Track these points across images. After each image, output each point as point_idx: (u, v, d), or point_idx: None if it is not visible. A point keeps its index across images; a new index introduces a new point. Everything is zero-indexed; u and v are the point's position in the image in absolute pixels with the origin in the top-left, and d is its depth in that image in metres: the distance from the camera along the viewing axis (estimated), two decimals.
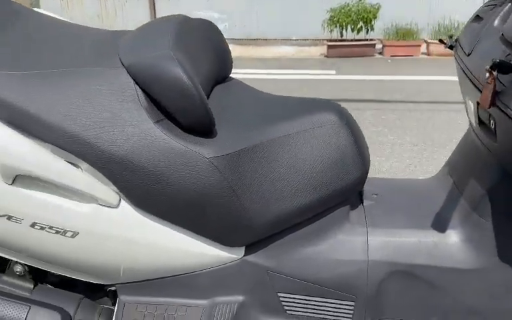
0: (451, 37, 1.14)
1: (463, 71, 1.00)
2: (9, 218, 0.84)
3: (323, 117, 0.95)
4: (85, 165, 0.84)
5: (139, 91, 0.85)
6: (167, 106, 0.84)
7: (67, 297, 0.99)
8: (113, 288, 1.12)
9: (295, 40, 7.52)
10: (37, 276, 1.02)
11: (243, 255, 0.97)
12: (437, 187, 1.10)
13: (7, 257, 0.93)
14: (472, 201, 0.97)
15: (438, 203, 1.03)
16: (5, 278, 0.97)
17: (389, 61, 6.33)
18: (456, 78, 1.11)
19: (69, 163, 0.83)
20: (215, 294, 0.97)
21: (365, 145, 0.99)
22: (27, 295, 0.97)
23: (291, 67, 5.98)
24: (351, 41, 6.72)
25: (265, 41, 7.54)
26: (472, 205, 0.97)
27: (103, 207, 0.87)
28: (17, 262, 0.96)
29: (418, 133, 3.26)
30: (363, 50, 6.65)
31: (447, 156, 1.19)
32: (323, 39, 6.99)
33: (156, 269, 0.95)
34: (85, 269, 0.94)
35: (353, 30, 6.67)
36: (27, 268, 0.97)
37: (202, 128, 0.87)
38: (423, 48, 6.66)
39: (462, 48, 1.04)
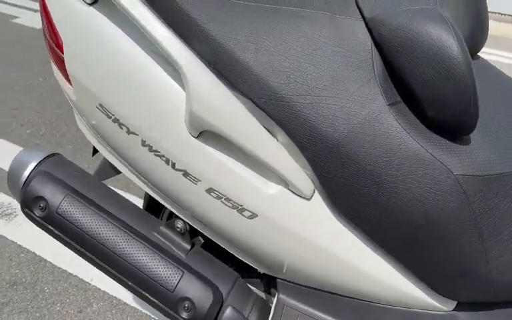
0: None
1: None
2: (185, 175, 0.69)
3: None
4: (283, 138, 0.64)
5: (377, 56, 0.61)
6: (416, 85, 0.58)
7: (222, 273, 0.85)
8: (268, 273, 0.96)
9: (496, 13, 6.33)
10: (195, 235, 0.90)
11: (453, 308, 0.70)
12: None
13: (172, 210, 0.81)
14: None
15: None
16: (164, 229, 0.86)
17: None
18: None
19: (266, 129, 0.64)
20: None
21: None
22: (182, 255, 0.85)
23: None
24: None
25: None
26: None
27: (292, 195, 0.67)
28: (179, 217, 0.85)
29: None
30: None
31: None
32: None
33: (332, 284, 0.74)
34: (248, 251, 0.78)
35: None
36: (188, 226, 0.85)
37: (457, 128, 0.60)
38: None
39: None
